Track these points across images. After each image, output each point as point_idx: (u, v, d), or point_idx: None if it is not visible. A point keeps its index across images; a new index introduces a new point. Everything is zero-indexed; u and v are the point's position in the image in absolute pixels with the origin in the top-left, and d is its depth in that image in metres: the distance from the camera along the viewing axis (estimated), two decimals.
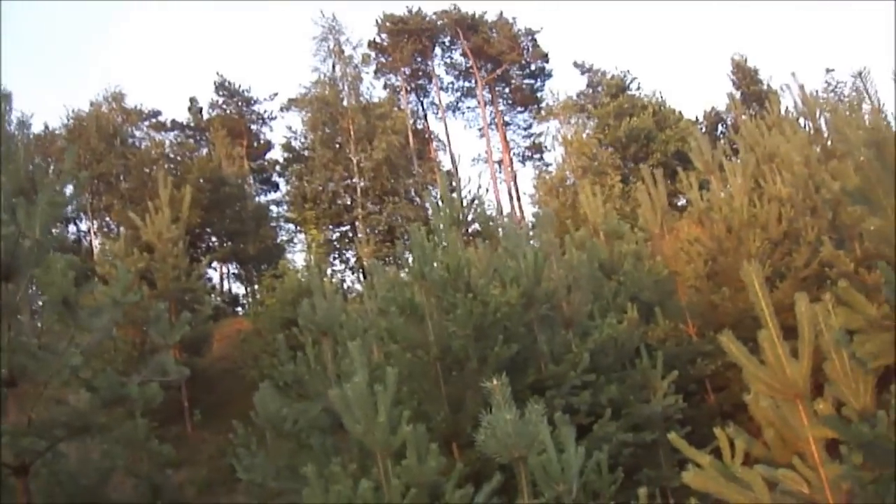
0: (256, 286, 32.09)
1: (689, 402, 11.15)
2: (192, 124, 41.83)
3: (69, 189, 7.31)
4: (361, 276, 32.89)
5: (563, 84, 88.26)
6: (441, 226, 11.39)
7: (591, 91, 44.02)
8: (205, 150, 38.53)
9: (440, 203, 12.39)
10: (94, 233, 34.52)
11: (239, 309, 33.36)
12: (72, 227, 35.08)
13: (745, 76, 39.33)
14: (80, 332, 6.29)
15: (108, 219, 33.99)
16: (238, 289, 38.35)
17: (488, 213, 13.12)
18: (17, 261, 6.47)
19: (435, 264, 8.80)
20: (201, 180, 30.73)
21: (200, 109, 42.52)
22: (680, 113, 39.22)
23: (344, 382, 5.94)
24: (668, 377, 10.69)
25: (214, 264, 33.47)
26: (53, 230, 7.05)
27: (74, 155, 7.03)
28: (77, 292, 6.23)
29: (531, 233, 12.71)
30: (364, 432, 5.30)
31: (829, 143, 15.30)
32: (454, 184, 13.58)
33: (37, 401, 6.50)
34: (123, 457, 11.20)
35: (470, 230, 13.79)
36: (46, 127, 33.87)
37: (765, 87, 36.90)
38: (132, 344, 17.97)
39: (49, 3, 70.37)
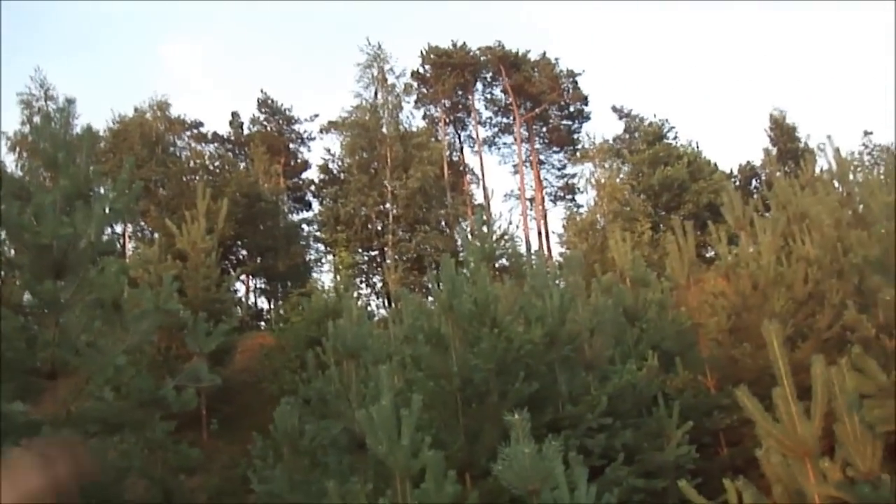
0: (282, 302, 32.44)
1: (702, 454, 11.14)
2: (232, 138, 42.63)
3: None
4: (386, 301, 33.15)
5: (600, 127, 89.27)
6: (471, 259, 11.62)
7: (627, 136, 44.28)
8: (243, 165, 39.23)
9: (471, 236, 12.62)
10: (129, 236, 35.18)
11: (262, 323, 33.70)
12: (106, 229, 35.74)
13: (783, 133, 39.37)
14: (125, 334, 6.62)
15: (142, 223, 34.64)
16: (263, 303, 38.79)
17: (518, 250, 13.32)
18: (70, 260, 6.82)
19: (463, 297, 9.01)
20: (238, 194, 31.29)
21: (242, 124, 43.36)
22: (715, 165, 39.31)
23: (368, 404, 6.18)
24: (683, 427, 10.70)
25: (242, 277, 33.93)
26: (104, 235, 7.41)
27: (132, 166, 7.41)
28: (126, 295, 6.57)
29: (558, 273, 12.89)
30: (386, 453, 5.51)
31: (860, 207, 15.34)
32: (486, 218, 13.79)
33: (77, 395, 6.80)
34: (141, 458, 11.47)
35: (496, 265, 13.99)
36: (90, 128, 34.73)
37: (802, 145, 36.95)
38: (157, 348, 18.31)
39: (104, 9, 72.37)
